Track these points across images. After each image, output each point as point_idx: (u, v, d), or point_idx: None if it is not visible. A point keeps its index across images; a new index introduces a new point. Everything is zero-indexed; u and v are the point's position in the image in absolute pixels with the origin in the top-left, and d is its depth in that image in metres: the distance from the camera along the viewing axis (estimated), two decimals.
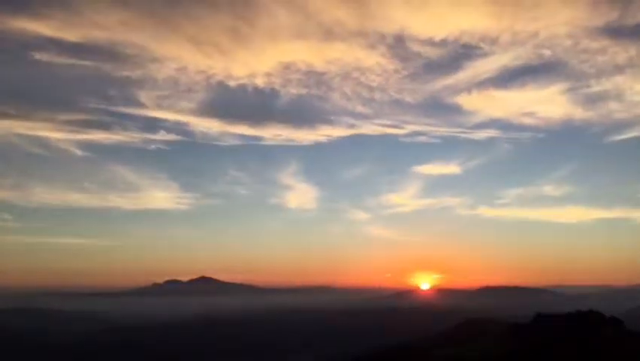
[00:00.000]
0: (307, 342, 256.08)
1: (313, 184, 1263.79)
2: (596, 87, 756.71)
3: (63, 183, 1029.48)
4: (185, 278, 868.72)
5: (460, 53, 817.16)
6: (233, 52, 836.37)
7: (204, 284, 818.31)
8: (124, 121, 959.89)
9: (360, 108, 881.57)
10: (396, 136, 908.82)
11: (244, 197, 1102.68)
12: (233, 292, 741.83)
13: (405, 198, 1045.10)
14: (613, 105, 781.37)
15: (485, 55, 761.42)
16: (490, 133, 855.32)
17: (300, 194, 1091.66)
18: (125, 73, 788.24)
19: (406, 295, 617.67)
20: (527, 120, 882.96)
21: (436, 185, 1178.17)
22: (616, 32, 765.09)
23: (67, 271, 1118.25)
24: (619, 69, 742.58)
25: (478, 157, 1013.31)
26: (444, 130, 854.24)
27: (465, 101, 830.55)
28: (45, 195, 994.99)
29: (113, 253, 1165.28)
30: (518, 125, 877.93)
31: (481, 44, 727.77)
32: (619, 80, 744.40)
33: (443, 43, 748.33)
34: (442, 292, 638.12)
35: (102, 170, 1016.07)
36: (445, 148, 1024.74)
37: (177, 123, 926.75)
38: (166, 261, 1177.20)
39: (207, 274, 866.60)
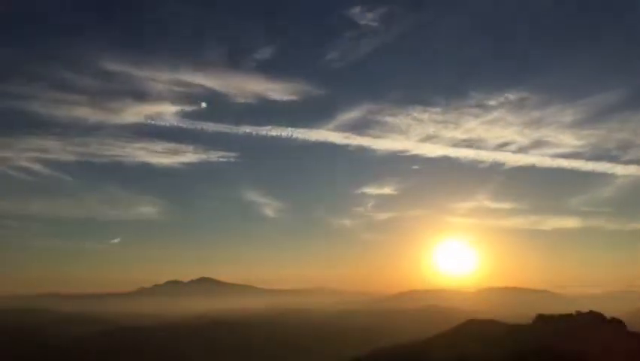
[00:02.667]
0: (307, 342, 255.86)
1: None
2: None
3: None
4: (185, 279, 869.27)
5: None
6: None
7: (205, 285, 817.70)
8: None
9: None
10: None
11: None
12: (234, 292, 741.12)
13: None
14: None
15: None
16: None
17: None
18: None
19: (405, 296, 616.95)
20: None
21: None
22: None
23: (67, 273, 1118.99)
24: None
25: None
26: None
27: None
28: None
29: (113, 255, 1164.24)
30: None
31: None
32: None
33: None
34: (442, 293, 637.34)
35: None
36: None
37: None
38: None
39: (207, 275, 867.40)
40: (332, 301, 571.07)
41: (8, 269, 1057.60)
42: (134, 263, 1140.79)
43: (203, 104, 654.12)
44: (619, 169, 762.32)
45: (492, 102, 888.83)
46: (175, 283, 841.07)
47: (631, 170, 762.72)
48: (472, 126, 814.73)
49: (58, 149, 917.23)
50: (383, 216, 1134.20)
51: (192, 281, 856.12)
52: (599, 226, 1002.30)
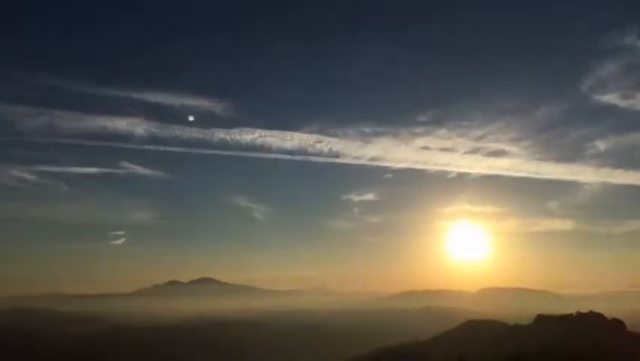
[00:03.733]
0: (307, 343, 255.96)
1: None
2: None
3: None
4: (185, 279, 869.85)
5: None
6: None
7: (205, 285, 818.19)
8: None
9: None
10: None
11: None
12: (234, 293, 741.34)
13: None
14: None
15: None
16: None
17: None
18: None
19: (406, 296, 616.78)
20: None
21: None
22: None
23: (68, 273, 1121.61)
24: None
25: None
26: None
27: None
28: None
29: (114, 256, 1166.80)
30: None
31: None
32: None
33: None
34: (442, 293, 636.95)
35: None
36: None
37: None
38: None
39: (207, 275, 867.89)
40: (332, 301, 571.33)
41: (8, 270, 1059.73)
42: (134, 264, 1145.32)
43: (191, 118, 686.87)
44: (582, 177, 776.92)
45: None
46: (175, 283, 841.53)
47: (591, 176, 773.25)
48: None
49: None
50: (375, 219, 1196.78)
51: (192, 282, 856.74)
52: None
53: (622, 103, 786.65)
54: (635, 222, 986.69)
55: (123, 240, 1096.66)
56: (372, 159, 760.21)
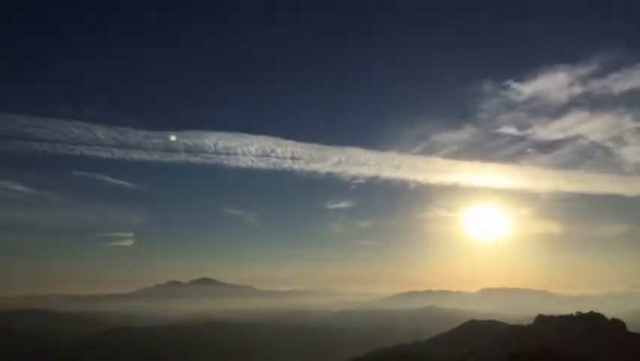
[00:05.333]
0: (308, 343, 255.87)
1: None
2: None
3: None
4: (185, 280, 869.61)
5: None
6: None
7: (205, 286, 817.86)
8: None
9: None
10: None
11: None
12: (234, 293, 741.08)
13: None
14: None
15: None
16: None
17: None
18: None
19: (406, 297, 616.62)
20: None
21: None
22: None
23: (68, 274, 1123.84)
24: None
25: None
26: None
27: None
28: None
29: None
30: None
31: None
32: None
33: None
34: (443, 294, 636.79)
35: None
36: None
37: None
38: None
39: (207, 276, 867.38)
40: (332, 301, 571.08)
41: (9, 270, 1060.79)
42: (135, 264, 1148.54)
43: (173, 138, 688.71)
44: None
45: None
46: (175, 283, 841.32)
47: None
48: None
49: None
50: (363, 224, 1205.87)
51: (192, 282, 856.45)
52: None
53: None
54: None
55: (123, 241, 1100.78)
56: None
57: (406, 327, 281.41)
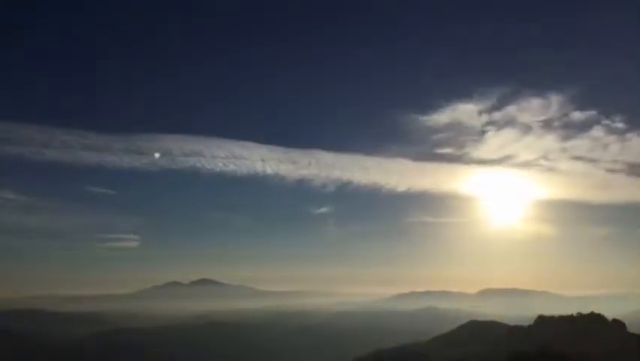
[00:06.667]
0: (307, 343, 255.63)
1: None
2: None
3: None
4: (185, 280, 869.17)
5: None
6: None
7: (204, 286, 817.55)
8: None
9: None
10: None
11: None
12: (234, 294, 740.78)
13: None
14: None
15: None
16: None
17: None
18: None
19: (406, 298, 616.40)
20: None
21: None
22: None
23: (68, 274, 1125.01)
24: None
25: None
26: None
27: None
28: None
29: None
30: None
31: None
32: None
33: None
34: (443, 294, 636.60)
35: None
36: None
37: None
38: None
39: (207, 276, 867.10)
40: (332, 301, 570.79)
41: (9, 270, 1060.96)
42: (133, 265, 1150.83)
43: (157, 155, 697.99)
44: None
45: None
46: (175, 284, 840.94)
47: None
48: None
49: None
50: (355, 228, 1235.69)
51: (192, 282, 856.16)
52: None
53: None
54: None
55: (121, 242, 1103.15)
56: None
57: (405, 327, 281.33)
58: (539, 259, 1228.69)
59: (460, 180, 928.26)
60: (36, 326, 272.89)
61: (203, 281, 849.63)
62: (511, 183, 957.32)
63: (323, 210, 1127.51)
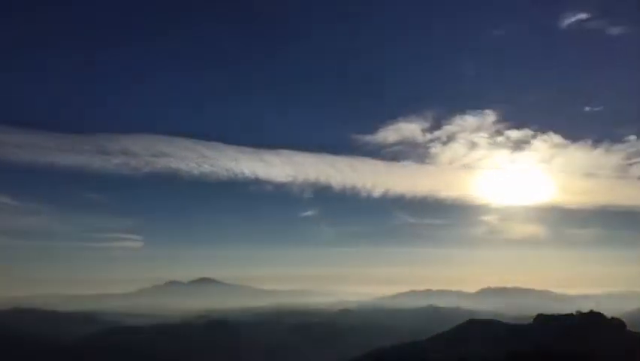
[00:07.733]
0: (307, 343, 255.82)
1: None
2: None
3: None
4: (185, 279, 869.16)
5: None
6: None
7: (204, 285, 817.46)
8: None
9: None
10: None
11: None
12: (234, 293, 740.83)
13: None
14: None
15: None
16: None
17: None
18: None
19: (405, 296, 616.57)
20: None
21: None
22: None
23: (68, 273, 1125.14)
24: None
25: None
26: None
27: None
28: None
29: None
30: None
31: None
32: None
33: None
34: (442, 293, 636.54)
35: None
36: None
37: None
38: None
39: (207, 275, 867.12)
40: (332, 301, 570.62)
41: (9, 270, 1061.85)
42: (134, 264, 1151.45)
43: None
44: None
45: None
46: (175, 283, 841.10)
47: None
48: None
49: None
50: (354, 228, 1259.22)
51: (192, 282, 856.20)
52: None
53: None
54: None
55: (123, 241, 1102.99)
56: None
57: (406, 326, 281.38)
58: (539, 259, 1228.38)
59: (461, 182, 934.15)
60: (36, 325, 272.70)
61: (203, 280, 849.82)
62: (510, 185, 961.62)
63: (322, 210, 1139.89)
